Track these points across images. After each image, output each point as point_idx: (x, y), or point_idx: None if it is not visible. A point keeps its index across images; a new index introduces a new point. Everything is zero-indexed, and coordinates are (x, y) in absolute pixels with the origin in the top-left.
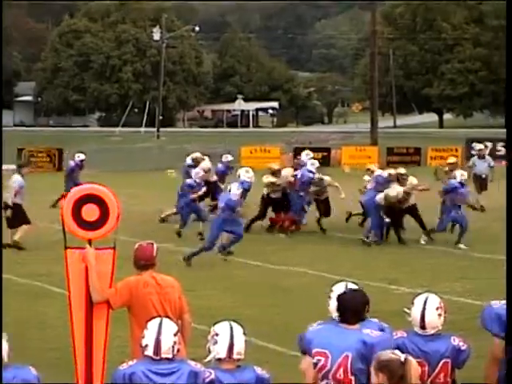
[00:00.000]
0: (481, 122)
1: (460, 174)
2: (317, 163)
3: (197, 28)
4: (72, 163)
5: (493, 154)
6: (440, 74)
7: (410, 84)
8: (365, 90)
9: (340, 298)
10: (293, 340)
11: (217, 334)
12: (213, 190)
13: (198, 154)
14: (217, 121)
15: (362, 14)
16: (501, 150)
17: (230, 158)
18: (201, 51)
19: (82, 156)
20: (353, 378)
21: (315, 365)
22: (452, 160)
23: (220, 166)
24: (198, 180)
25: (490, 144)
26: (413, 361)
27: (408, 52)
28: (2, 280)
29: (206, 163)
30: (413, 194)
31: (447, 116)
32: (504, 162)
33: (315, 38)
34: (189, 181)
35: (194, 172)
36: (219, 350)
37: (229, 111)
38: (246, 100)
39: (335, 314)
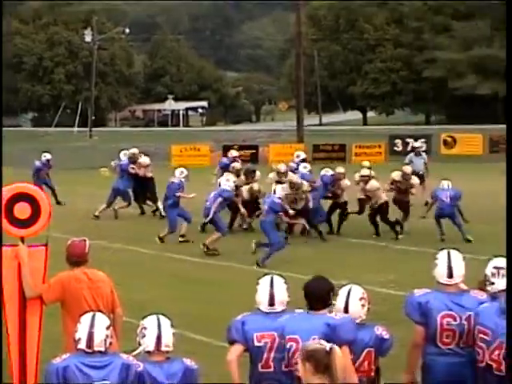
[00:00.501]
0: (402, 120)
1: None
2: (309, 166)
3: (127, 30)
4: (38, 163)
5: (414, 150)
6: (363, 73)
7: (334, 83)
8: (291, 89)
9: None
10: (221, 331)
11: (145, 328)
12: (151, 186)
13: (134, 150)
14: (148, 120)
15: (287, 15)
16: (422, 145)
17: (234, 153)
18: (131, 52)
19: (48, 156)
20: None
21: (288, 350)
22: (365, 172)
23: (225, 159)
24: (182, 179)
25: (411, 140)
26: (338, 350)
27: (332, 52)
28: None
29: (145, 159)
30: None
31: (370, 114)
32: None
33: (242, 39)
34: (176, 180)
35: (177, 171)
36: (148, 343)
37: (159, 111)
38: (176, 100)
39: (262, 306)
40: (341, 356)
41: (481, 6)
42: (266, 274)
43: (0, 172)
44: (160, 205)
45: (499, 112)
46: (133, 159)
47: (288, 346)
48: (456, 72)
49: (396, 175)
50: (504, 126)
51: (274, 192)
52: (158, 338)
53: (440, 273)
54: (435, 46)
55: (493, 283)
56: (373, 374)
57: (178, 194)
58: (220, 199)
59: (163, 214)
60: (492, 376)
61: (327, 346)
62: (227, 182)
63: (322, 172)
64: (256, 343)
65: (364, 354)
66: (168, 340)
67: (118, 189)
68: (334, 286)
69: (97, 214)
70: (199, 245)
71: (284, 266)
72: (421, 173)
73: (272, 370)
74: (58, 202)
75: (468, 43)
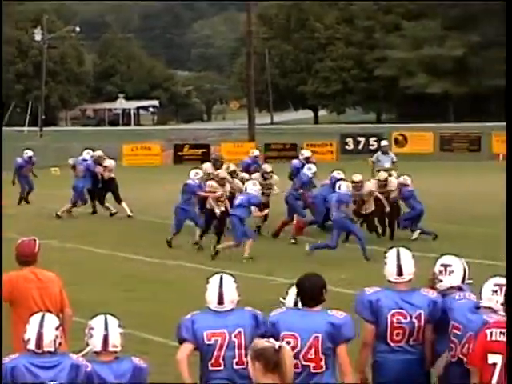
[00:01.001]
0: (353, 118)
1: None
2: (314, 168)
3: (77, 28)
4: (20, 160)
5: (365, 148)
6: (314, 72)
7: (285, 82)
8: (242, 87)
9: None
10: (174, 331)
11: (92, 328)
12: (113, 187)
13: (100, 153)
14: (99, 119)
15: (238, 14)
16: (374, 144)
17: (256, 152)
18: (82, 51)
19: (30, 153)
20: (323, 357)
21: None
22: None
23: (247, 159)
24: (197, 181)
25: (363, 139)
26: (287, 348)
27: (283, 51)
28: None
29: (111, 162)
30: None
31: (322, 112)
32: None
33: (193, 38)
34: (191, 182)
35: (192, 173)
36: (95, 343)
37: (110, 110)
38: (126, 99)
39: (212, 305)
40: (290, 354)
41: (431, 6)
42: (216, 273)
43: (0, 172)
44: (125, 205)
45: (450, 111)
46: (98, 161)
47: (284, 343)
48: (407, 71)
49: (372, 185)
50: (455, 124)
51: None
52: (105, 339)
53: (390, 271)
54: (386, 44)
55: (441, 281)
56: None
57: (200, 193)
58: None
59: (130, 214)
60: (463, 370)
61: (276, 344)
62: (254, 186)
63: (334, 173)
64: (206, 341)
65: (311, 339)
66: (115, 340)
67: (77, 187)
68: (326, 282)
69: (59, 213)
70: (150, 246)
71: (234, 265)
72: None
73: (222, 368)
74: (27, 201)
75: (419, 42)
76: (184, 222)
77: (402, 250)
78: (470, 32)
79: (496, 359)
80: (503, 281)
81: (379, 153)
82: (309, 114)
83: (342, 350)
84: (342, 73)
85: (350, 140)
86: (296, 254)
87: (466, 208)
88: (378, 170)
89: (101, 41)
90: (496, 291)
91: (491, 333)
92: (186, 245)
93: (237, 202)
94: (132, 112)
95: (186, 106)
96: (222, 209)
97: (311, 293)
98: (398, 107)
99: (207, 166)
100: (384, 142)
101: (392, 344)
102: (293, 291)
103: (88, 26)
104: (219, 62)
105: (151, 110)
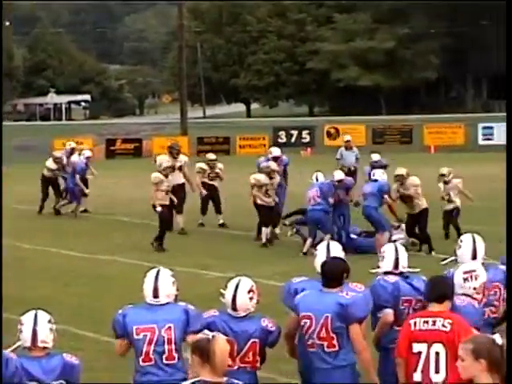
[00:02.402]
0: (286, 111)
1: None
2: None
3: (7, 23)
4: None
5: (297, 141)
6: (246, 65)
7: (217, 75)
8: (174, 81)
9: (322, 264)
10: (107, 326)
11: (22, 324)
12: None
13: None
14: (30, 114)
15: (170, 8)
16: (306, 137)
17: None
18: (12, 46)
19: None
20: (334, 335)
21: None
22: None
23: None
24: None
25: (295, 132)
26: (219, 338)
27: (215, 45)
28: (1, 276)
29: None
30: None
31: (254, 106)
32: (309, 150)
33: (125, 32)
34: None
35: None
36: (24, 339)
37: (41, 105)
38: (58, 93)
39: (148, 298)
40: (223, 344)
41: None
42: (153, 267)
43: (0, 172)
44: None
45: (381, 103)
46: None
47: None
48: (338, 64)
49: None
50: (387, 117)
51: None
52: (34, 334)
53: (319, 263)
54: (318, 37)
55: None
56: (257, 364)
57: None
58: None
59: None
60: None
61: (210, 334)
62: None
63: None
64: (135, 336)
65: (248, 344)
66: (45, 336)
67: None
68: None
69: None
70: (88, 242)
71: (168, 260)
72: (352, 168)
73: (153, 363)
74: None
75: (350, 35)
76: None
77: (332, 243)
78: (399, 25)
79: (420, 348)
80: (472, 266)
81: (342, 149)
82: (241, 107)
83: (354, 329)
84: (275, 66)
85: (282, 133)
86: (232, 249)
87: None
88: (342, 167)
89: (31, 35)
90: (467, 279)
91: (415, 322)
92: (123, 240)
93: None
94: (63, 107)
95: (118, 101)
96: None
97: (333, 275)
98: (330, 100)
99: (162, 157)
100: (347, 137)
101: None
102: (231, 285)
103: (18, 21)
104: (152, 55)
105: (83, 104)
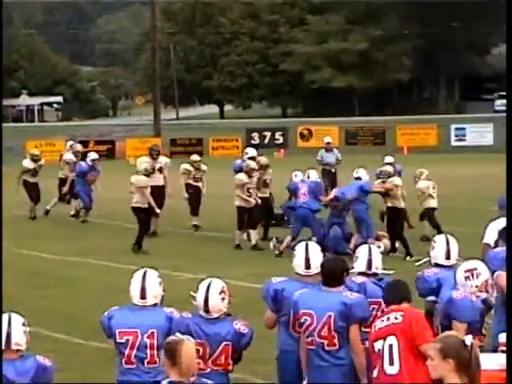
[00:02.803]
0: (259, 113)
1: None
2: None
3: None
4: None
5: (270, 142)
6: (219, 66)
7: (190, 77)
8: (147, 83)
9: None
10: (79, 328)
11: None
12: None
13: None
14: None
15: (142, 9)
16: (279, 138)
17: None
18: None
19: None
20: (335, 334)
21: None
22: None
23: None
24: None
25: (268, 133)
26: (186, 341)
27: (188, 46)
28: (1, 275)
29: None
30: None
31: (227, 107)
32: (282, 151)
33: (98, 33)
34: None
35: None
36: None
37: (13, 106)
38: (30, 95)
39: (135, 299)
40: (190, 347)
41: (335, 1)
42: (142, 267)
43: (0, 171)
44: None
45: (354, 105)
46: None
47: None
48: (311, 65)
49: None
50: (360, 118)
51: None
52: (8, 337)
53: (298, 264)
54: (291, 39)
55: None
56: (230, 367)
57: None
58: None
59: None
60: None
61: (180, 337)
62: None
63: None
64: (118, 339)
65: (221, 347)
66: (18, 339)
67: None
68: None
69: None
70: (54, 242)
71: (139, 261)
72: (333, 170)
73: (135, 366)
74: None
75: (323, 37)
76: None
77: (310, 243)
78: (372, 26)
79: (378, 345)
80: (472, 265)
81: (323, 150)
82: (214, 108)
83: (354, 330)
84: (248, 67)
85: (255, 134)
86: (203, 250)
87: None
88: (324, 170)
89: (3, 37)
90: (468, 277)
91: (375, 326)
92: (96, 242)
93: None
94: (36, 108)
95: (90, 102)
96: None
97: (334, 274)
98: (303, 101)
99: (144, 159)
100: (327, 139)
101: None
102: (203, 287)
103: None
104: (124, 57)
105: (55, 106)
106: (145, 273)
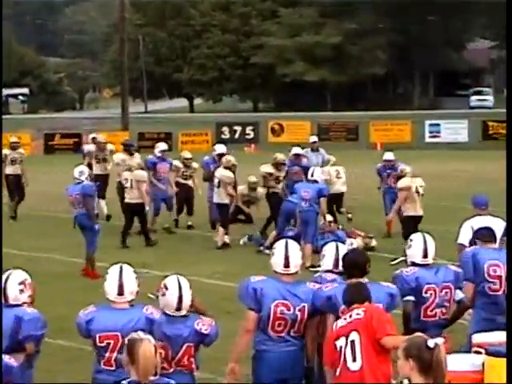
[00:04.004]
0: (230, 107)
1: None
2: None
3: None
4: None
5: (241, 137)
6: (190, 59)
7: (160, 70)
8: (115, 75)
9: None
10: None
11: None
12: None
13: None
14: None
15: (111, 0)
16: (250, 133)
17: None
18: None
19: (163, 145)
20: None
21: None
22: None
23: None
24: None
25: (239, 128)
26: (145, 341)
27: (157, 38)
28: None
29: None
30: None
31: (197, 101)
32: (253, 146)
33: (66, 24)
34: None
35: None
36: None
37: None
38: None
39: (111, 296)
40: (148, 347)
41: None
42: (116, 263)
43: (0, 171)
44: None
45: (327, 99)
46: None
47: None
48: (284, 59)
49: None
50: (332, 113)
51: None
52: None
53: (277, 262)
54: (263, 32)
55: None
56: (194, 366)
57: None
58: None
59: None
60: None
61: (141, 336)
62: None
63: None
64: (98, 343)
65: (183, 349)
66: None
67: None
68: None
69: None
70: (20, 239)
71: (104, 257)
72: None
73: (114, 368)
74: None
75: (296, 30)
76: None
77: (290, 241)
78: (346, 20)
79: (340, 343)
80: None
81: (308, 149)
82: (184, 102)
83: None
84: (218, 60)
85: (226, 129)
86: (171, 247)
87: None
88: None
89: None
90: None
91: (336, 324)
92: (63, 238)
93: None
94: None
95: (57, 94)
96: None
97: (357, 264)
98: (275, 96)
99: (119, 155)
100: (313, 138)
101: (272, 334)
102: (172, 284)
103: None
104: (92, 48)
105: (21, 98)
106: (121, 268)
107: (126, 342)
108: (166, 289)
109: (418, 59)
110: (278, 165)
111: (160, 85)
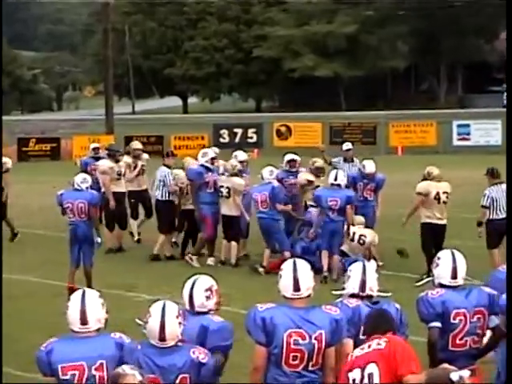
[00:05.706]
0: (229, 107)
1: None
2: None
3: None
4: None
5: (242, 141)
6: (183, 52)
7: (149, 64)
8: (98, 71)
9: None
10: (14, 353)
11: None
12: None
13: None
14: None
15: None
16: (252, 137)
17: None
18: None
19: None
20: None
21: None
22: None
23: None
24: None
25: (240, 130)
26: (132, 375)
27: (146, 28)
28: (1, 279)
29: None
30: None
31: (192, 100)
32: (256, 151)
33: (41, 13)
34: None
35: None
36: None
37: None
38: None
39: (74, 326)
40: (134, 379)
41: None
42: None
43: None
44: None
45: (341, 97)
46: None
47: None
48: (291, 51)
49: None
50: (347, 113)
51: None
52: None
53: (285, 285)
54: (266, 20)
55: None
56: None
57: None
58: None
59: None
60: None
61: (127, 371)
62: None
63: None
64: (62, 376)
65: (178, 380)
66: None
67: None
68: None
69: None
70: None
71: (94, 280)
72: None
73: None
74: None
75: (305, 18)
76: None
77: (298, 261)
78: (363, 6)
79: (354, 375)
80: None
81: (341, 158)
82: (177, 101)
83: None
84: (216, 53)
85: (224, 132)
86: (156, 270)
87: None
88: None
89: None
90: None
91: (351, 355)
92: (36, 256)
93: None
94: None
95: (32, 93)
96: None
97: (374, 331)
98: (280, 93)
99: (104, 162)
100: (347, 145)
101: (287, 369)
102: (156, 311)
103: None
104: (71, 40)
105: None
106: (83, 294)
107: (110, 376)
108: (150, 316)
109: (445, 50)
110: (318, 170)
111: (149, 82)
